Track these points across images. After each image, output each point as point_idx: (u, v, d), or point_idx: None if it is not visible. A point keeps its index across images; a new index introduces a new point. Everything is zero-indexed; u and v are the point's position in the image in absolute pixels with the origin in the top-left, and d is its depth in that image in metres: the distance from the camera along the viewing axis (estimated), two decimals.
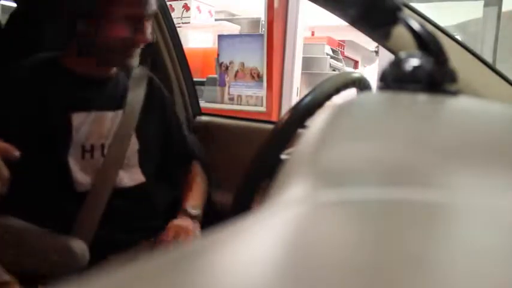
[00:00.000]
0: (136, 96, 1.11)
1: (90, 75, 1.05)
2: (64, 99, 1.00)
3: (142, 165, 1.09)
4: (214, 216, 1.15)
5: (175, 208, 1.13)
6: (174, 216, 1.09)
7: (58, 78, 1.02)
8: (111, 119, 1.05)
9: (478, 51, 0.82)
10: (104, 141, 1.03)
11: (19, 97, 0.97)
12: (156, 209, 1.11)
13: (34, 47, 1.17)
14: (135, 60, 1.07)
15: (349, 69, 4.47)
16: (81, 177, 0.99)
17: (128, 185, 1.05)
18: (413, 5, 0.80)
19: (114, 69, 1.09)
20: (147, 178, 1.09)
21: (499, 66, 0.82)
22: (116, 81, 1.10)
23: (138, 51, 1.02)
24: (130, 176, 1.06)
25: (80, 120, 1.00)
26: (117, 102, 1.07)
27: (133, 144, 1.08)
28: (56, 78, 1.01)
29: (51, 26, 1.20)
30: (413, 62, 0.36)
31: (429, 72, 0.35)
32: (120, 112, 1.06)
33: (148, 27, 1.02)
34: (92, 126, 1.01)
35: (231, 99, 3.26)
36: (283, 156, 0.66)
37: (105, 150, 1.03)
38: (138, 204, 1.06)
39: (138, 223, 1.04)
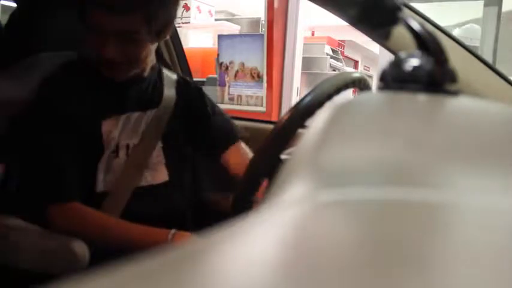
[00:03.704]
0: (168, 97, 1.09)
1: (119, 78, 1.02)
2: (96, 106, 1.00)
3: (168, 164, 1.07)
4: (214, 216, 1.15)
5: (201, 210, 1.14)
6: (199, 218, 1.09)
7: (92, 84, 1.02)
8: (137, 119, 1.04)
9: (478, 51, 0.82)
10: (129, 141, 1.03)
11: (67, 107, 0.98)
12: (177, 209, 1.09)
13: (34, 47, 1.17)
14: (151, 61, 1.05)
15: (349, 69, 4.47)
16: (104, 176, 1.00)
17: (150, 183, 1.04)
18: (413, 5, 0.80)
19: (147, 70, 1.06)
20: (171, 177, 1.07)
21: (499, 66, 0.82)
22: (147, 82, 1.08)
23: (125, 66, 0.97)
24: (154, 175, 1.05)
25: (111, 125, 1.00)
26: (147, 102, 1.06)
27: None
28: (90, 85, 1.02)
29: (51, 25, 1.20)
30: (413, 62, 0.36)
31: (429, 72, 0.35)
32: (149, 112, 1.06)
33: (129, 45, 0.94)
34: (121, 129, 1.02)
35: (231, 99, 3.26)
36: (283, 156, 0.66)
37: (130, 150, 1.02)
38: (159, 204, 1.05)
39: (158, 224, 1.01)
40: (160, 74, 1.13)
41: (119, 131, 1.01)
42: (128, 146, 1.02)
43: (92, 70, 1.03)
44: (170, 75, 1.15)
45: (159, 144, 1.06)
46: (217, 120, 1.18)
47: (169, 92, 1.10)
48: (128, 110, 1.03)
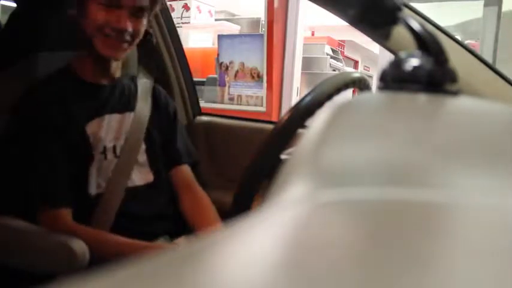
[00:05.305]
0: (144, 100, 1.13)
1: (99, 81, 1.07)
2: (78, 110, 1.02)
3: (151, 165, 1.10)
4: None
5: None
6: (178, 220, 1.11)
7: (72, 90, 1.04)
8: (119, 121, 1.07)
9: (478, 51, 0.82)
10: (115, 143, 1.05)
11: (51, 114, 0.99)
12: (164, 210, 1.11)
13: (34, 47, 1.17)
14: (133, 63, 1.07)
15: (349, 69, 4.47)
16: (95, 179, 1.01)
17: (138, 184, 1.07)
18: (413, 5, 0.80)
19: (118, 74, 1.11)
20: (155, 177, 1.10)
21: (499, 66, 0.82)
22: (121, 86, 1.12)
23: (125, 45, 1.00)
24: (141, 176, 1.08)
25: (95, 127, 1.03)
26: (125, 105, 1.10)
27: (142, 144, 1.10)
28: (71, 91, 1.04)
29: (51, 25, 1.20)
30: (413, 62, 0.36)
31: (429, 72, 0.35)
32: (127, 114, 1.09)
33: (136, 20, 1.00)
34: (105, 130, 1.04)
35: (231, 99, 3.26)
36: (283, 156, 0.66)
37: (118, 151, 1.05)
38: (148, 204, 1.07)
39: (148, 224, 1.05)
40: (134, 80, 1.17)
41: (104, 132, 1.04)
42: (114, 148, 1.05)
43: (73, 77, 1.06)
44: (146, 83, 1.19)
45: (143, 146, 1.09)
46: (178, 138, 1.21)
47: (144, 98, 1.14)
48: (107, 112, 1.06)
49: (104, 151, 1.03)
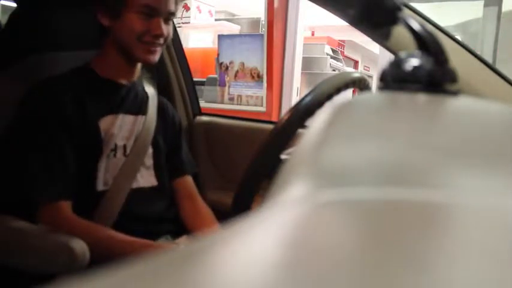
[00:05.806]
0: (153, 106, 1.17)
1: (117, 80, 1.09)
2: (93, 106, 1.04)
3: (156, 169, 1.13)
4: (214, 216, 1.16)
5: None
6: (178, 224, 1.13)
7: (89, 86, 1.06)
8: (132, 122, 1.10)
9: (478, 51, 0.82)
10: (126, 142, 1.07)
11: (61, 108, 1.00)
12: (166, 213, 1.13)
13: (34, 47, 1.17)
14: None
15: (349, 69, 4.47)
16: (103, 175, 1.03)
17: (143, 185, 1.09)
18: (413, 5, 0.80)
19: (135, 77, 1.13)
20: (158, 182, 1.13)
21: (499, 66, 0.82)
22: (136, 88, 1.15)
23: (159, 48, 1.05)
24: (146, 178, 1.10)
25: (108, 123, 1.04)
26: (137, 107, 1.13)
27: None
28: (88, 85, 1.05)
29: (51, 25, 1.20)
30: (413, 62, 0.36)
31: (429, 72, 0.35)
32: (140, 117, 1.12)
33: (167, 25, 1.05)
34: (118, 128, 1.06)
35: (231, 99, 3.26)
36: (283, 156, 0.66)
37: (127, 151, 1.06)
38: (151, 206, 1.09)
39: (150, 225, 1.06)
40: (143, 86, 1.20)
41: (117, 129, 1.05)
42: (124, 147, 1.07)
43: (92, 74, 1.07)
44: (152, 91, 1.21)
45: (150, 150, 1.12)
46: (182, 148, 1.25)
47: (153, 104, 1.17)
48: (122, 111, 1.08)
49: (115, 148, 1.05)
